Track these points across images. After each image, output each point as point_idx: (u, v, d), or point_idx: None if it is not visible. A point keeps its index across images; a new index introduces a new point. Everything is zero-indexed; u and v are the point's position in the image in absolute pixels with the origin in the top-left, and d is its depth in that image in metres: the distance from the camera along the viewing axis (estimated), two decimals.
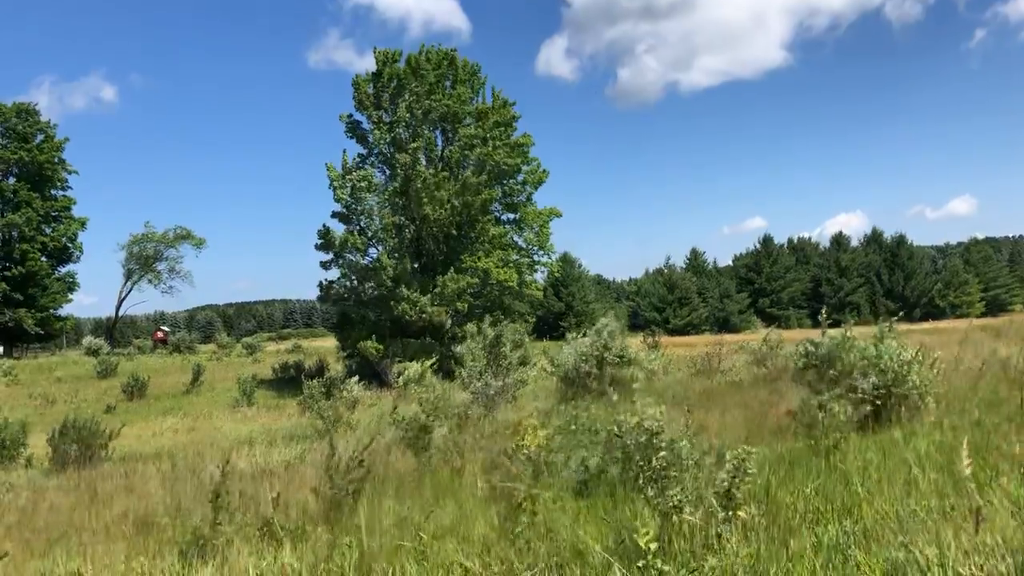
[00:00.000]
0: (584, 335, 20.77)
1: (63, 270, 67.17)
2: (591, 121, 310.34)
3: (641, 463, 4.99)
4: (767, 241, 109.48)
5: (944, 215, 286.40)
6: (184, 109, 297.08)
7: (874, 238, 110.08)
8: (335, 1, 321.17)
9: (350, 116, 44.91)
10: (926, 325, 60.14)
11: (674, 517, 4.74)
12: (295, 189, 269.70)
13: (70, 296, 67.83)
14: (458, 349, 23.20)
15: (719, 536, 4.57)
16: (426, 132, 43.36)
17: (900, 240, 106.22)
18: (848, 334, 10.11)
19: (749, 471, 4.90)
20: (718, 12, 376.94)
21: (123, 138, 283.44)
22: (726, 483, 4.83)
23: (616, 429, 5.47)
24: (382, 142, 43.32)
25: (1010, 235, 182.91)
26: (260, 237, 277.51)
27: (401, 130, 42.96)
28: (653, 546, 4.14)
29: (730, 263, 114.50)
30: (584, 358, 20.45)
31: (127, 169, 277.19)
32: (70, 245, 66.37)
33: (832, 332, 10.74)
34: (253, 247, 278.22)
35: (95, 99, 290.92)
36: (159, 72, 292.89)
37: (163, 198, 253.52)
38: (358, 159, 44.71)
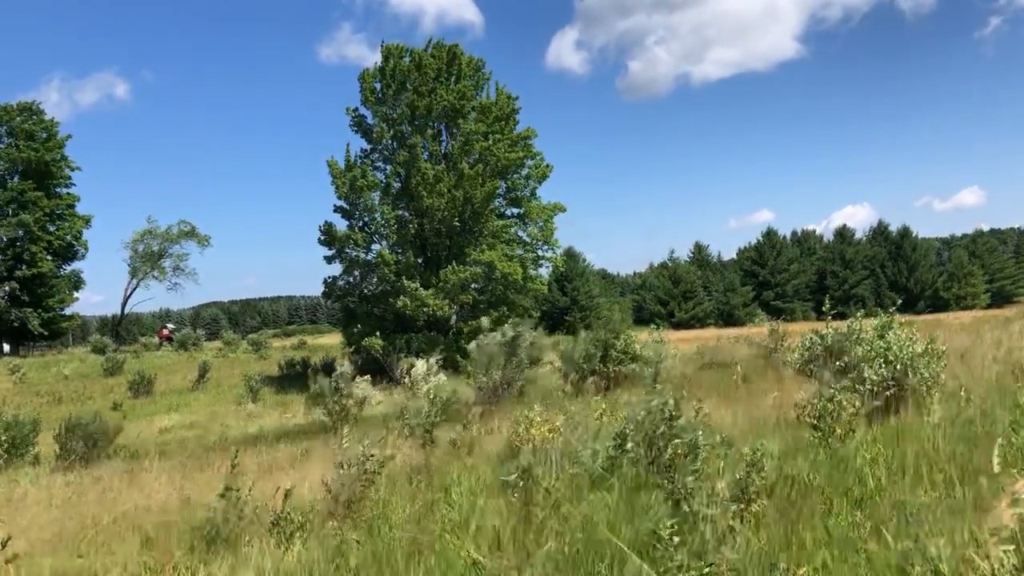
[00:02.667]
0: (589, 330, 20.84)
1: (68, 268, 67.22)
2: (600, 114, 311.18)
3: (656, 452, 5.00)
4: (771, 234, 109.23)
5: (952, 206, 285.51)
6: (193, 105, 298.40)
7: (879, 230, 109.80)
8: None
9: (356, 110, 44.92)
10: (929, 317, 60.08)
11: (685, 507, 4.76)
12: (303, 184, 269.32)
13: (75, 295, 67.86)
14: (471, 346, 23.14)
15: (732, 529, 4.59)
16: (429, 128, 43.35)
17: (904, 232, 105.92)
18: (855, 326, 10.12)
19: (764, 467, 4.92)
20: (731, 4, 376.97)
21: (132, 135, 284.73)
22: (741, 477, 4.84)
23: (629, 420, 5.48)
24: (385, 137, 43.31)
25: (1016, 226, 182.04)
26: (267, 234, 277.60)
27: (405, 125, 42.97)
28: (676, 539, 4.15)
29: (734, 256, 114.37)
30: (588, 356, 20.51)
31: (136, 166, 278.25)
32: (75, 243, 66.33)
33: (837, 324, 10.74)
34: (260, 244, 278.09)
35: (107, 96, 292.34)
36: (169, 68, 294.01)
37: (171, 195, 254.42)
38: (362, 154, 44.76)
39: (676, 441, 5.01)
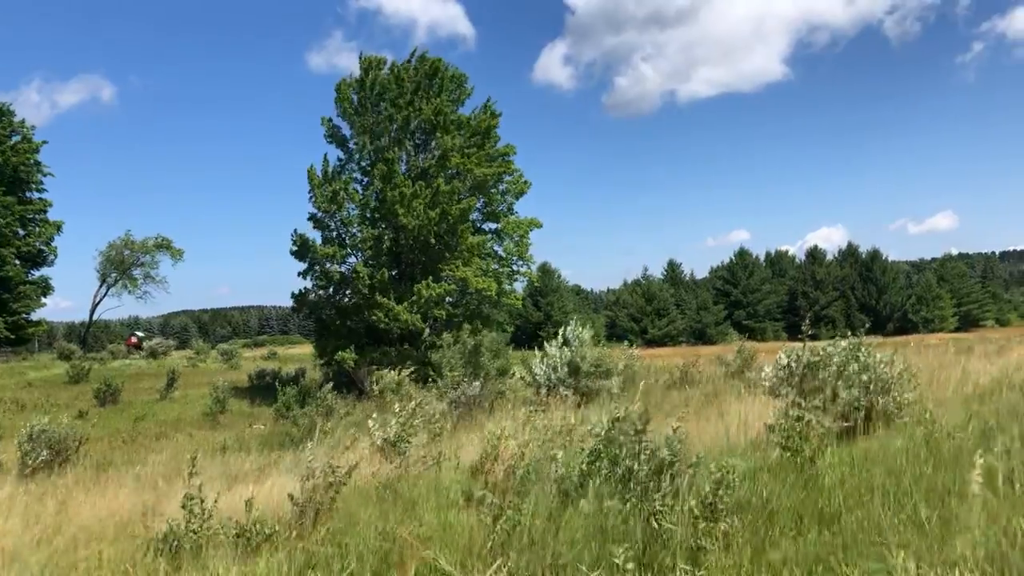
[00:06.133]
0: (564, 344, 20.85)
1: (36, 274, 66.28)
2: (584, 129, 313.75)
3: (626, 469, 4.99)
4: (743, 254, 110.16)
5: (926, 230, 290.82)
6: (175, 111, 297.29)
7: (849, 252, 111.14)
8: (342, 3, 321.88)
9: (330, 120, 44.75)
10: (898, 339, 60.75)
11: (655, 524, 4.74)
12: (278, 192, 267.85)
13: (43, 300, 66.93)
14: (434, 358, 23.09)
15: (701, 548, 4.57)
16: (407, 141, 43.33)
17: (874, 255, 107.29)
18: (826, 347, 10.18)
19: (732, 484, 4.91)
20: (721, 24, 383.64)
21: (112, 139, 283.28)
22: (709, 495, 4.83)
23: (594, 434, 5.46)
24: (362, 149, 43.22)
25: (984, 251, 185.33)
26: (240, 243, 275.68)
27: (384, 139, 42.92)
28: (631, 566, 4.13)
29: (707, 275, 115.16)
30: (557, 368, 20.52)
31: (112, 170, 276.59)
32: (44, 249, 65.51)
33: (811, 345, 10.80)
34: (232, 253, 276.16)
35: (90, 99, 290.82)
36: (153, 74, 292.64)
37: (146, 199, 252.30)
38: (339, 165, 44.62)
39: (643, 457, 4.99)
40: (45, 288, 66.88)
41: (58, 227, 66.46)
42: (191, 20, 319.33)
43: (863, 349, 9.69)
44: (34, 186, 65.26)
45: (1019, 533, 4.50)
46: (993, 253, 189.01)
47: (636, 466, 5.02)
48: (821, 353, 9.76)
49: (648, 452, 5.06)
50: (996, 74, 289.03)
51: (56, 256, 66.91)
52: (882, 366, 9.37)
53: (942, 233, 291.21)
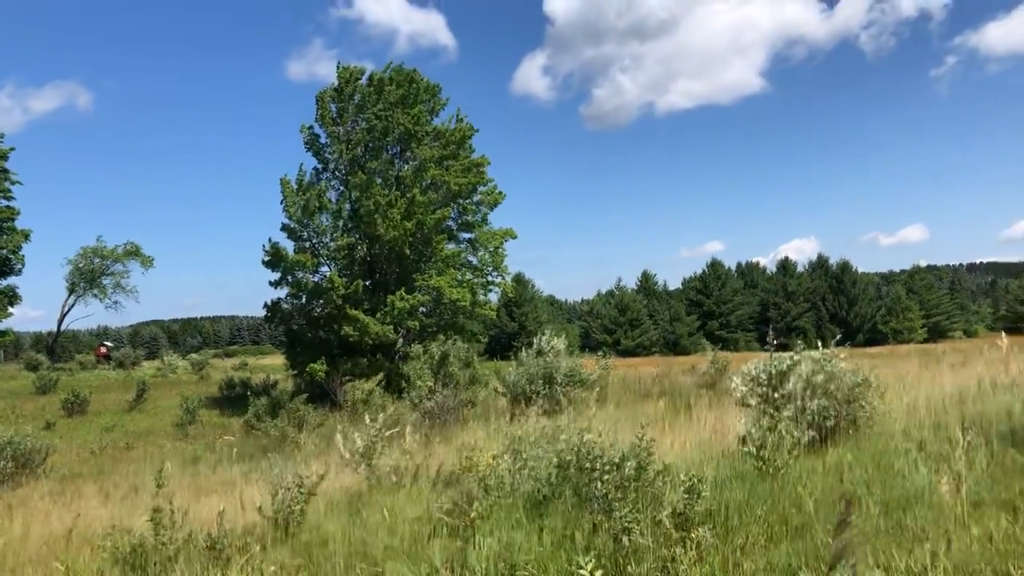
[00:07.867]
0: (540, 354, 20.80)
1: (3, 283, 65.15)
2: (562, 140, 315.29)
3: (588, 485, 4.99)
4: (716, 265, 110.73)
5: (897, 242, 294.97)
6: (152, 118, 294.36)
7: (819, 264, 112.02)
8: (324, 11, 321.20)
9: (310, 128, 44.50)
10: (870, 350, 61.36)
11: (624, 539, 4.73)
12: (250, 201, 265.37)
13: (10, 310, 65.75)
14: (405, 368, 23.01)
15: (673, 559, 4.57)
16: (384, 152, 43.21)
17: (844, 266, 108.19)
18: (795, 358, 10.24)
19: (703, 493, 4.92)
20: (699, 38, 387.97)
21: (86, 148, 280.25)
22: (679, 504, 4.83)
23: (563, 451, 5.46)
24: (339, 159, 43.03)
25: (952, 263, 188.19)
26: (212, 252, 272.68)
27: (359, 149, 42.77)
28: (598, 574, 4.12)
29: (680, 286, 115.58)
30: (531, 378, 20.48)
31: (86, 179, 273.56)
32: (12, 257, 64.45)
33: (780, 355, 10.86)
34: (203, 262, 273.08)
35: (67, 106, 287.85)
36: (130, 81, 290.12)
37: (118, 207, 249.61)
38: (314, 174, 44.38)
39: (611, 470, 5.00)
40: (12, 297, 65.68)
41: (26, 235, 65.40)
42: (170, 26, 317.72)
43: (830, 360, 9.76)
44: (1, 194, 64.28)
45: (984, 539, 4.55)
46: (960, 265, 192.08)
47: (604, 477, 5.01)
48: (788, 364, 9.82)
49: (617, 462, 5.07)
50: (969, 88, 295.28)
51: (24, 265, 65.82)
52: (850, 376, 9.44)
53: (912, 245, 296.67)
